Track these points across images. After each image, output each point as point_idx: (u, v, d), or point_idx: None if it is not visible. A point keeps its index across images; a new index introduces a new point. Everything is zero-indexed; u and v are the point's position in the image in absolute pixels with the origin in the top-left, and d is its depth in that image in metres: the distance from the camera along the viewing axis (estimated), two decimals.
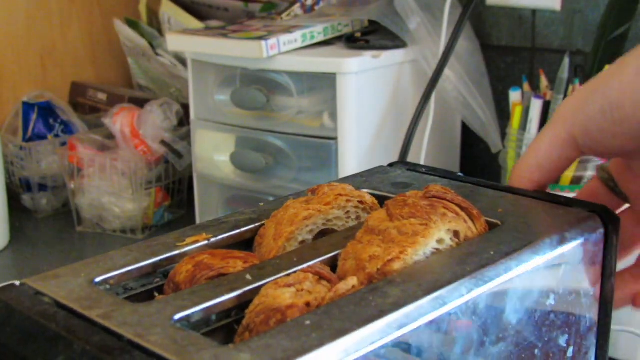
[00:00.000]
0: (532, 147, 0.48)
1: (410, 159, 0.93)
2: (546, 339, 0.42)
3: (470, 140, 1.08)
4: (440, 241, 0.40)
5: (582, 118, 0.45)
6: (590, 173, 0.81)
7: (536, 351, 0.41)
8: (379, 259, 0.38)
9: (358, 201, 0.46)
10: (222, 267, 0.41)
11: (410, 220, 0.40)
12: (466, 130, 1.05)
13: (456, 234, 0.41)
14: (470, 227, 0.42)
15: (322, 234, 0.45)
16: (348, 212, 0.46)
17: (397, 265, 0.38)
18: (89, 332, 0.35)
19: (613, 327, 0.47)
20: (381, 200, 0.50)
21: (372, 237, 0.40)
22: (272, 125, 0.94)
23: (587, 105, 0.45)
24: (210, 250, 0.43)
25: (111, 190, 1.05)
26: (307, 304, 0.35)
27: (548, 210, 0.45)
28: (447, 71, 0.95)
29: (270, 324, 0.35)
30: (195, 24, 1.18)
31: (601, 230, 0.43)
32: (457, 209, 0.42)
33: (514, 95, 0.87)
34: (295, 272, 0.39)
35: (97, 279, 0.40)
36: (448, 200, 0.42)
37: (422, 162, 0.97)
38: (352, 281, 0.37)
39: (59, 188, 1.14)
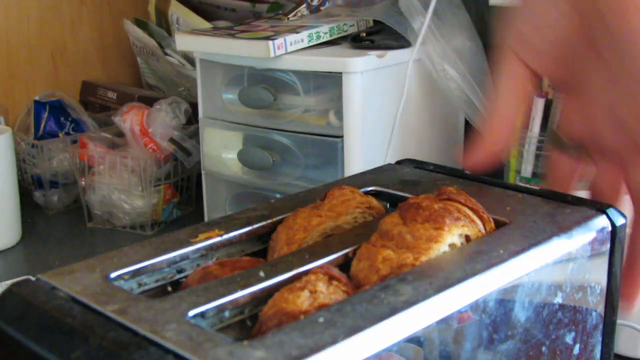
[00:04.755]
0: (493, 90, 0.47)
1: (414, 156, 0.93)
2: (553, 337, 0.42)
3: (473, 137, 1.08)
4: (452, 245, 0.41)
5: (506, 23, 0.45)
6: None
7: (543, 348, 0.42)
8: (392, 261, 0.39)
9: (366, 207, 0.47)
10: None
11: (424, 225, 0.41)
12: (469, 128, 1.05)
13: (467, 238, 0.42)
14: (481, 229, 0.42)
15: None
16: (356, 217, 0.46)
17: None
18: (104, 328, 0.35)
19: None
20: (390, 198, 0.51)
21: (386, 242, 0.40)
22: (279, 124, 0.95)
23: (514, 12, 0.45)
24: (219, 260, 0.43)
25: (121, 187, 1.06)
26: (322, 307, 0.36)
27: (555, 208, 0.45)
28: (450, 70, 0.96)
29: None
30: (203, 24, 1.19)
31: (608, 229, 0.44)
32: (469, 212, 0.42)
33: None
34: (305, 271, 0.39)
35: (112, 275, 0.41)
36: (461, 203, 0.42)
37: (425, 159, 0.97)
38: None
39: (70, 185, 1.15)
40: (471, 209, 0.42)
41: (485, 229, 0.43)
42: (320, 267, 0.39)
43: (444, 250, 0.40)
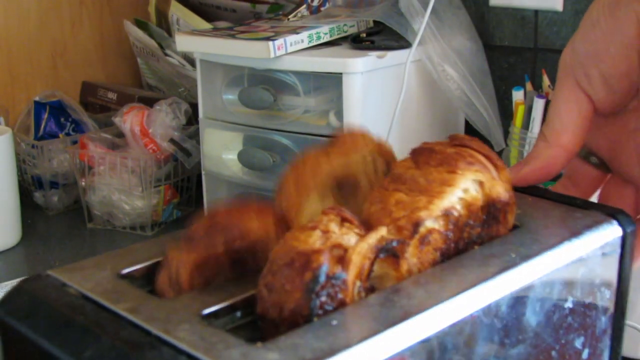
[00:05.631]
0: (551, 112, 0.48)
1: None
2: (563, 341, 0.42)
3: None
4: (465, 190, 0.40)
5: (573, 54, 0.47)
6: None
7: (553, 353, 0.42)
8: (406, 204, 0.38)
9: (376, 150, 0.45)
10: (237, 225, 0.40)
11: (437, 169, 0.39)
12: (469, 128, 1.06)
13: (481, 184, 0.40)
14: (494, 177, 0.41)
15: (340, 187, 0.44)
16: (365, 157, 0.45)
17: (424, 214, 0.37)
18: (116, 326, 0.35)
19: None
20: None
21: (398, 185, 0.39)
22: (279, 124, 0.95)
23: (576, 40, 0.47)
24: (226, 208, 0.42)
25: (121, 188, 1.06)
26: (335, 247, 0.35)
27: (565, 213, 0.45)
28: (450, 71, 0.96)
29: (295, 267, 0.34)
30: (203, 24, 1.19)
31: (618, 234, 0.44)
32: (482, 159, 0.41)
33: (517, 95, 0.88)
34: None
35: (123, 272, 0.40)
36: (475, 149, 0.41)
37: None
38: (382, 231, 0.36)
39: (70, 185, 1.15)
40: (485, 155, 0.41)
41: (499, 176, 0.41)
42: (332, 207, 0.37)
43: (457, 195, 0.39)
